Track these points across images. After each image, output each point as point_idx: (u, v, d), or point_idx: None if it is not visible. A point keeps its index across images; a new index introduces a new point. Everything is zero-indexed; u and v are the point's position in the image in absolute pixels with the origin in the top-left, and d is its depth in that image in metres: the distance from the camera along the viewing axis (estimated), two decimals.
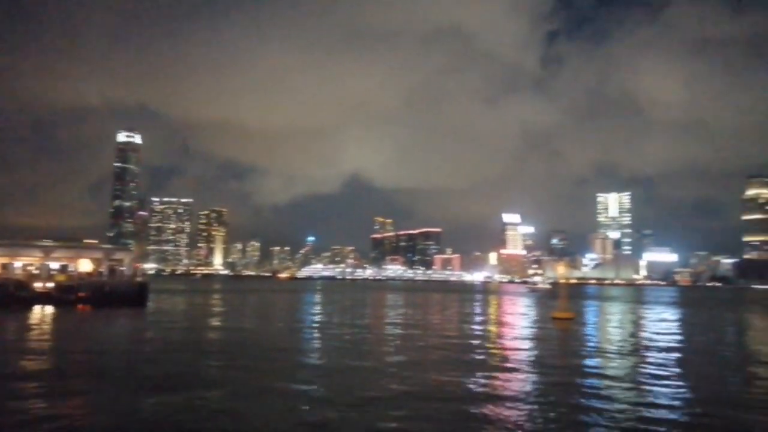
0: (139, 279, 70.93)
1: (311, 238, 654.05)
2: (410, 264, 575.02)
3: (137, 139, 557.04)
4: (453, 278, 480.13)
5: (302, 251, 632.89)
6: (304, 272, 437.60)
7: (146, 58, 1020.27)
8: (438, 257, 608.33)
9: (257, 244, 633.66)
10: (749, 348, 37.80)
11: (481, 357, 29.82)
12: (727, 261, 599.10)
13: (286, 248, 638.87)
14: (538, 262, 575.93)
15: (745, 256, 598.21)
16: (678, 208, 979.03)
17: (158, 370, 23.69)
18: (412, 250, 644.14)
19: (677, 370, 26.52)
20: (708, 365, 28.94)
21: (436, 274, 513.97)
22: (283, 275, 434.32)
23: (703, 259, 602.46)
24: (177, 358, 26.95)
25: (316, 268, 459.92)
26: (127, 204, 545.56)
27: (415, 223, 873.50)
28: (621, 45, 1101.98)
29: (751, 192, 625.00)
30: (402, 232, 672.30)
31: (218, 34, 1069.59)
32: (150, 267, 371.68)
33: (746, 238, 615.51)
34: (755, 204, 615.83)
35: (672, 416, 17.36)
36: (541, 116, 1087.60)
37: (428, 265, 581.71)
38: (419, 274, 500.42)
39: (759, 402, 19.95)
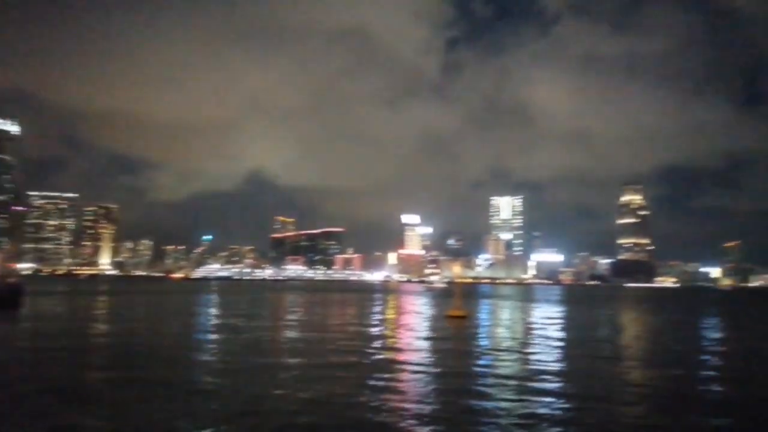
0: (12, 280, 64.85)
1: (208, 237, 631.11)
2: (311, 264, 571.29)
3: (13, 127, 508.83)
4: (353, 278, 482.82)
5: (198, 250, 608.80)
6: (200, 272, 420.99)
7: (26, 40, 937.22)
8: (339, 257, 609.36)
9: (149, 243, 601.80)
10: (622, 343, 41.11)
11: (378, 357, 30.15)
12: (604, 261, 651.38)
13: (181, 247, 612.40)
14: (435, 261, 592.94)
15: (619, 257, 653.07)
16: (563, 212, 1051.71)
17: (28, 382, 21.78)
18: (314, 250, 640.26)
19: (560, 366, 28.34)
20: (587, 360, 31.16)
21: (337, 273, 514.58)
22: (177, 275, 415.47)
23: (583, 260, 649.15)
24: (52, 368, 24.87)
25: (213, 268, 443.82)
26: (0, 198, 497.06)
27: (318, 222, 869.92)
28: (515, 57, 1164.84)
29: (625, 198, 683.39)
30: (303, 232, 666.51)
31: (109, 18, 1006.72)
32: (26, 267, 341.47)
33: (620, 241, 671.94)
34: (628, 209, 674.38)
35: (551, 411, 18.51)
36: (440, 121, 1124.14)
37: (329, 264, 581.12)
38: (320, 274, 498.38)
39: (631, 396, 21.74)
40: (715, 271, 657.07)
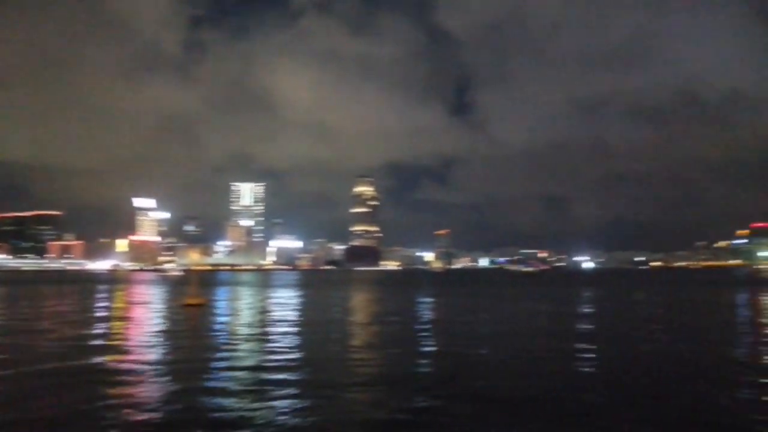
0: None
1: None
2: (18, 252, 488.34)
3: None
4: (73, 267, 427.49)
5: None
6: None
7: None
8: (55, 244, 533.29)
9: None
10: (353, 325, 43.84)
11: (97, 359, 26.77)
12: (338, 247, 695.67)
13: None
14: (171, 248, 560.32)
15: (352, 243, 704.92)
16: (303, 200, 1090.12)
17: None
18: (22, 236, 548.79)
19: (296, 353, 28.88)
20: (321, 344, 32.42)
21: (52, 263, 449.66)
22: None
23: (320, 246, 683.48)
24: None
25: None
26: None
27: (28, 204, 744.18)
28: (261, 44, 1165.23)
29: (358, 189, 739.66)
30: (8, 215, 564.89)
31: None
32: None
33: (353, 228, 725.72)
34: (360, 199, 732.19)
35: (283, 401, 18.64)
36: (181, 100, 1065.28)
37: (42, 252, 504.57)
38: (29, 263, 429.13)
39: (361, 377, 23.13)
40: (428, 255, 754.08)
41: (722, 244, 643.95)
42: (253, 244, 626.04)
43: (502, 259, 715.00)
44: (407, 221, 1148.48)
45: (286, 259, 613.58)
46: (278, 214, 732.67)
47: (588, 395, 19.02)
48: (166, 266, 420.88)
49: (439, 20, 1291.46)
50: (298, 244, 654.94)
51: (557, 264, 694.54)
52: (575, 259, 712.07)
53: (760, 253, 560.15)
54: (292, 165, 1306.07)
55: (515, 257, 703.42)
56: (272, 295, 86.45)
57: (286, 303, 67.35)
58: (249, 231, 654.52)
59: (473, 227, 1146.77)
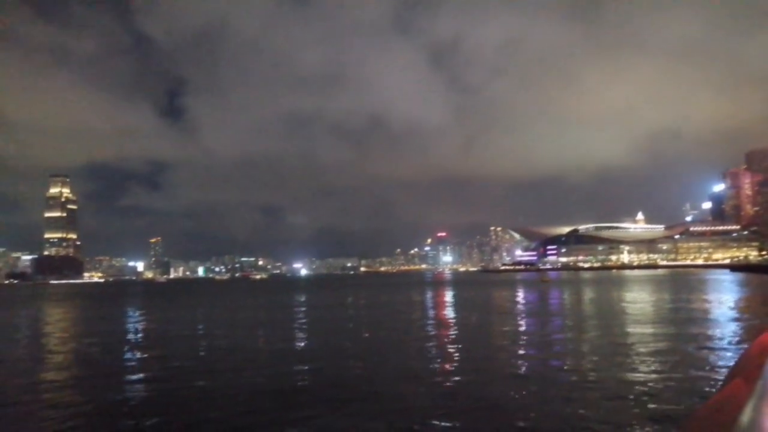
0: None
1: None
2: None
3: None
4: None
5: None
6: None
7: None
8: None
9: None
10: (46, 345, 36.45)
11: None
12: (26, 257, 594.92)
13: None
14: None
15: (45, 253, 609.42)
16: None
17: None
18: None
19: None
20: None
21: None
22: None
23: (1, 256, 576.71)
24: None
25: None
26: None
27: None
28: None
29: (53, 191, 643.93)
30: None
31: None
32: None
33: (47, 235, 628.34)
34: (55, 202, 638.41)
35: None
36: None
37: None
38: None
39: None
40: (140, 265, 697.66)
41: (414, 251, 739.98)
42: None
43: (217, 269, 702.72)
44: (114, 229, 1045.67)
45: None
46: None
47: None
48: None
49: (140, 22, 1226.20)
50: None
51: (275, 272, 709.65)
52: (293, 266, 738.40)
53: (443, 258, 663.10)
54: None
55: (233, 265, 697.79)
56: None
57: None
58: None
59: (188, 235, 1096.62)
